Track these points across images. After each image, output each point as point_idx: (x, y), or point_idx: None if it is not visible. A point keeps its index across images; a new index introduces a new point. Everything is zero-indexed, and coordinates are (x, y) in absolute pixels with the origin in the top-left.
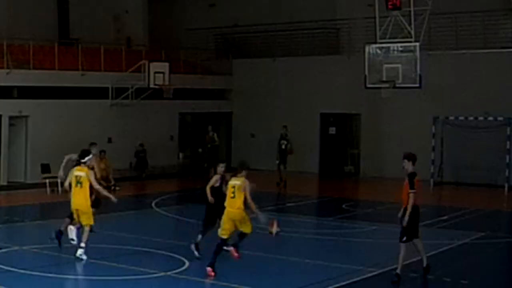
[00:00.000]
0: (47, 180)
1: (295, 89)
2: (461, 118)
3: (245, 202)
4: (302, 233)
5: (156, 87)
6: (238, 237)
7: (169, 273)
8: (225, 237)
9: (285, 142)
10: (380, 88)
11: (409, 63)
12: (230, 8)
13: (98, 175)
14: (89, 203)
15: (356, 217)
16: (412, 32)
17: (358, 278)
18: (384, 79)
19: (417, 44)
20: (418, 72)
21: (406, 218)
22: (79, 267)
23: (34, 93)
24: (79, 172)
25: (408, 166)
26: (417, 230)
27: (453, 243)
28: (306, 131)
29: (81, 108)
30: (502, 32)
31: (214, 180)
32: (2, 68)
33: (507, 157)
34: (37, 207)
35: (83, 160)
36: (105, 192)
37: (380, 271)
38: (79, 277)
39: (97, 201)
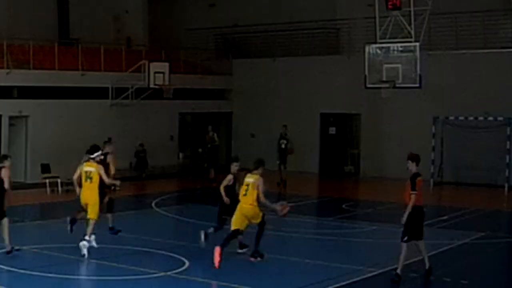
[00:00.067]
0: (47, 180)
1: (295, 89)
2: (461, 118)
3: (258, 199)
4: (302, 233)
5: (156, 87)
6: (255, 244)
7: (169, 273)
8: (235, 227)
9: (285, 142)
10: (380, 88)
11: (409, 63)
12: (230, 8)
13: (113, 172)
14: (97, 197)
15: (356, 217)
16: (412, 32)
17: (358, 278)
18: (384, 79)
19: (417, 44)
20: (418, 72)
21: (405, 217)
22: (79, 267)
23: (34, 93)
24: (89, 167)
25: (412, 167)
26: (421, 231)
27: (453, 243)
28: (306, 131)
29: (81, 108)
30: (502, 32)
31: (228, 180)
32: (2, 68)
33: (507, 157)
34: (37, 207)
35: (92, 156)
36: (111, 181)
37: (380, 271)
38: (79, 277)
39: (111, 203)
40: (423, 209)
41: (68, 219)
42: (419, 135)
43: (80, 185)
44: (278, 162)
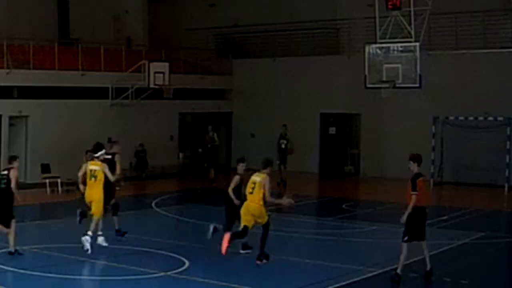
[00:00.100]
0: (47, 180)
1: (295, 89)
2: (461, 118)
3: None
4: (302, 233)
5: (156, 87)
6: (260, 247)
7: (169, 273)
8: (245, 224)
9: (285, 142)
10: (380, 88)
11: (409, 63)
12: (230, 8)
13: (119, 171)
14: (102, 195)
15: (356, 217)
16: (412, 32)
17: (358, 278)
18: (384, 79)
19: (417, 44)
20: (418, 72)
21: (404, 217)
22: (79, 267)
23: (34, 93)
24: (94, 166)
25: (414, 167)
26: (423, 232)
27: (453, 243)
28: (306, 131)
29: (81, 108)
30: (502, 32)
31: (236, 181)
32: (2, 68)
33: (507, 157)
34: (37, 207)
35: (96, 155)
36: (117, 176)
37: (380, 271)
38: (79, 277)
39: (116, 206)
40: (425, 210)
41: (78, 211)
42: (419, 135)
43: (85, 183)
44: (278, 162)
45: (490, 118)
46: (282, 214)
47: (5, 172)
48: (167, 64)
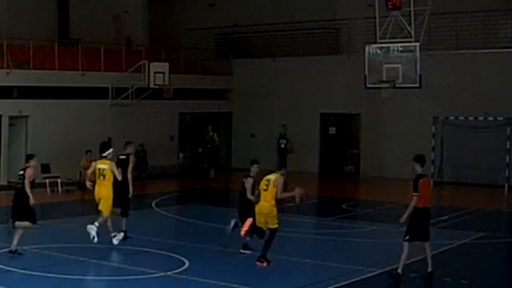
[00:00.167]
0: (47, 180)
1: (295, 89)
2: (461, 118)
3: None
4: (302, 233)
5: (156, 87)
6: (263, 249)
7: (169, 273)
8: (260, 225)
9: (285, 142)
10: (380, 88)
11: (409, 63)
12: (230, 8)
13: (130, 169)
14: (110, 193)
15: (356, 217)
16: (412, 32)
17: (358, 278)
18: (384, 79)
19: (417, 44)
20: (418, 72)
21: (404, 216)
22: (79, 267)
23: (34, 93)
24: (102, 165)
25: (417, 168)
26: (427, 233)
27: (453, 243)
28: (306, 131)
29: (81, 108)
30: (502, 32)
31: (250, 185)
32: (2, 68)
33: (507, 157)
34: (37, 207)
35: (104, 154)
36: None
37: (380, 271)
38: (79, 277)
39: (126, 208)
40: (429, 210)
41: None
42: (419, 135)
43: (94, 182)
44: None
45: (490, 118)
46: (282, 214)
47: (22, 172)
48: (167, 64)
